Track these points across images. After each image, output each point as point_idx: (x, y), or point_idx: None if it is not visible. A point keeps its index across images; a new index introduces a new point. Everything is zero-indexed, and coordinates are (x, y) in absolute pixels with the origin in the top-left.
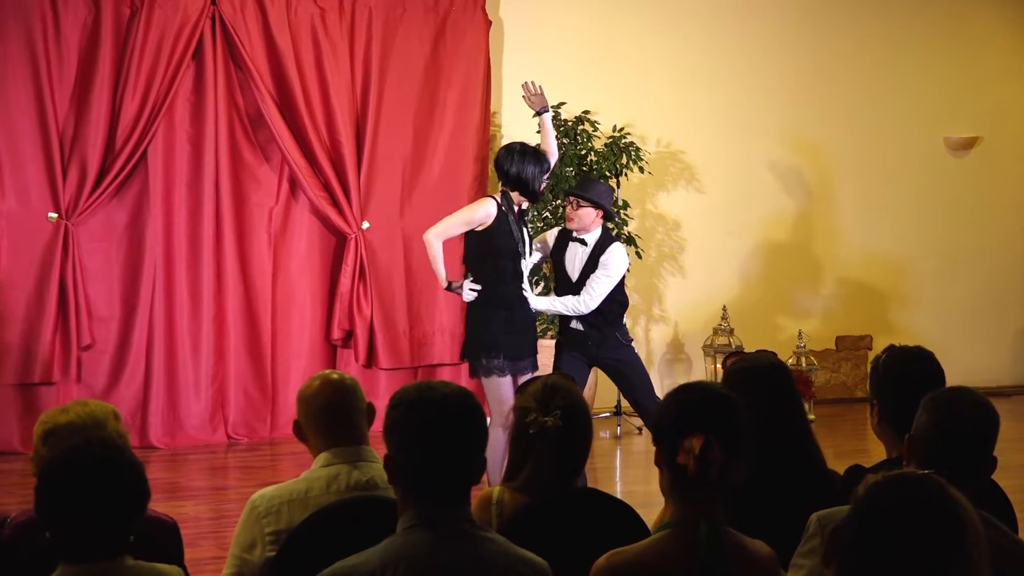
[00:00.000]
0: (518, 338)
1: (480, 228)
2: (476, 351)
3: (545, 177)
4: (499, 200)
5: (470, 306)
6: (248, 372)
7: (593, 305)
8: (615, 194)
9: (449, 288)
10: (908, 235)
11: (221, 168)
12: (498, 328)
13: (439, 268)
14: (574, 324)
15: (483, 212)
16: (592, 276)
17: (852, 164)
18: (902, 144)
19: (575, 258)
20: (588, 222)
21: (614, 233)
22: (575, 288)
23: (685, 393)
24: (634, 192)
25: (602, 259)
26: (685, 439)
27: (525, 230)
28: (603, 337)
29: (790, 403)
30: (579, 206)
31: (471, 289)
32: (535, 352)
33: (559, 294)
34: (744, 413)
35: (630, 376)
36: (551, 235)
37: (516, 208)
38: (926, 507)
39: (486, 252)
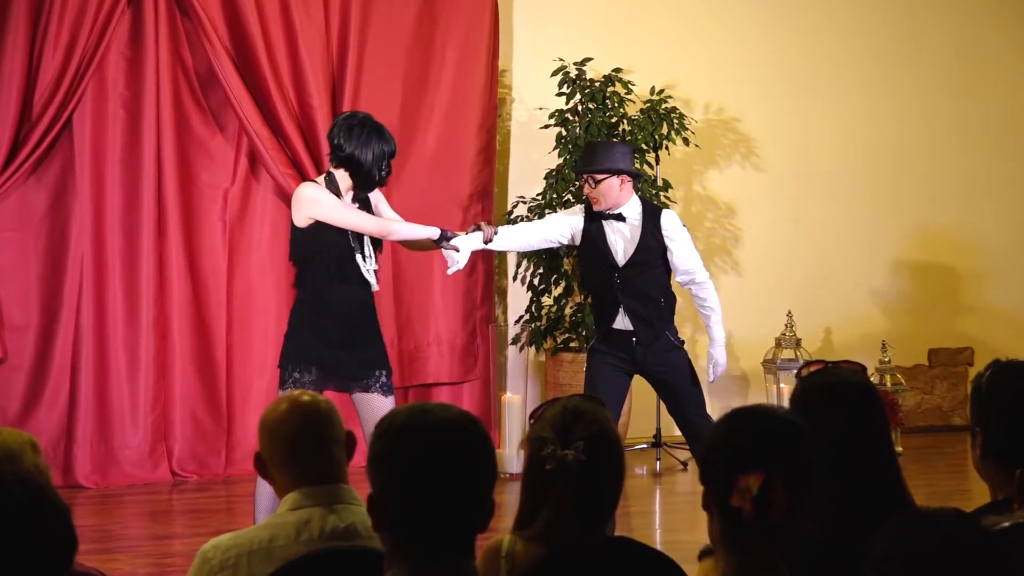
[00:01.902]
0: (333, 353)
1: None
2: (284, 361)
3: (388, 151)
4: (321, 184)
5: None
6: (198, 393)
7: (711, 283)
8: (635, 159)
9: (443, 240)
10: (1019, 221)
11: (164, 140)
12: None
13: (418, 230)
14: (620, 321)
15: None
16: (675, 253)
17: (950, 135)
18: (1011, 112)
19: (620, 238)
20: (616, 194)
21: None
22: (622, 274)
23: (740, 419)
24: (677, 169)
25: (666, 231)
26: (740, 477)
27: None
28: (655, 335)
29: (877, 432)
30: (597, 182)
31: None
32: (360, 376)
33: (592, 285)
34: (815, 444)
35: (681, 387)
36: (573, 220)
37: (350, 193)
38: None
39: (313, 249)
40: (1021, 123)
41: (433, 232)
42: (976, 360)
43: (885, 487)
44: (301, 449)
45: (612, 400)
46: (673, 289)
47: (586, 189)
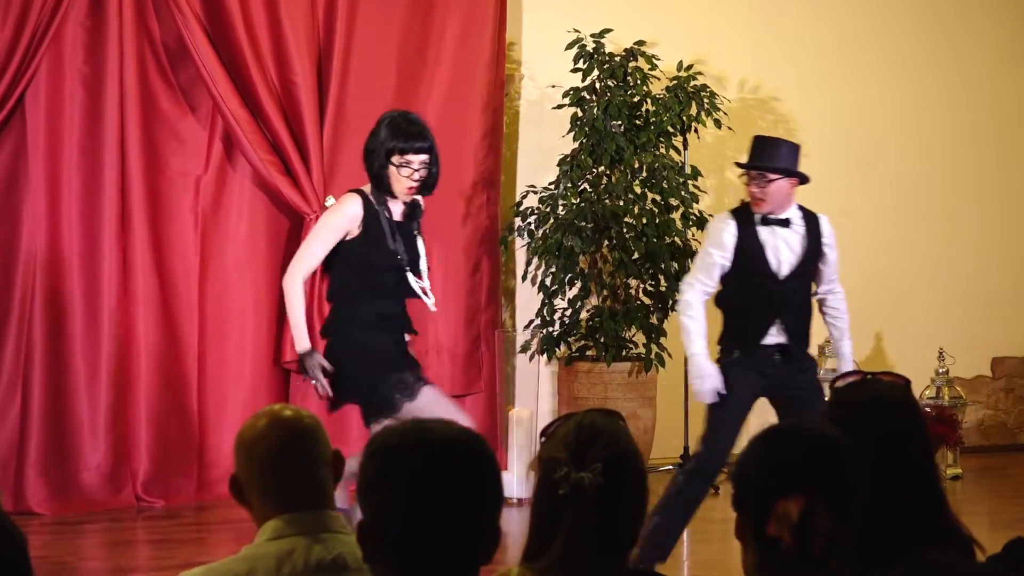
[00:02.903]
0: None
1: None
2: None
3: (388, 150)
4: (358, 195)
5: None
6: (166, 408)
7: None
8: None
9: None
10: None
11: (128, 121)
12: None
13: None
14: (772, 336)
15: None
16: (829, 262)
17: (993, 119)
18: None
19: (784, 246)
20: (783, 197)
21: (680, 213)
22: (783, 286)
23: (778, 437)
24: (708, 155)
25: (826, 239)
26: (779, 502)
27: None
28: (802, 350)
29: (916, 457)
30: (768, 180)
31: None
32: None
33: (741, 298)
34: (860, 465)
35: (817, 408)
36: (727, 238)
37: (402, 206)
38: None
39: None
40: None
41: (298, 345)
42: None
43: (925, 518)
44: (283, 470)
45: (739, 425)
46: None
47: (753, 188)
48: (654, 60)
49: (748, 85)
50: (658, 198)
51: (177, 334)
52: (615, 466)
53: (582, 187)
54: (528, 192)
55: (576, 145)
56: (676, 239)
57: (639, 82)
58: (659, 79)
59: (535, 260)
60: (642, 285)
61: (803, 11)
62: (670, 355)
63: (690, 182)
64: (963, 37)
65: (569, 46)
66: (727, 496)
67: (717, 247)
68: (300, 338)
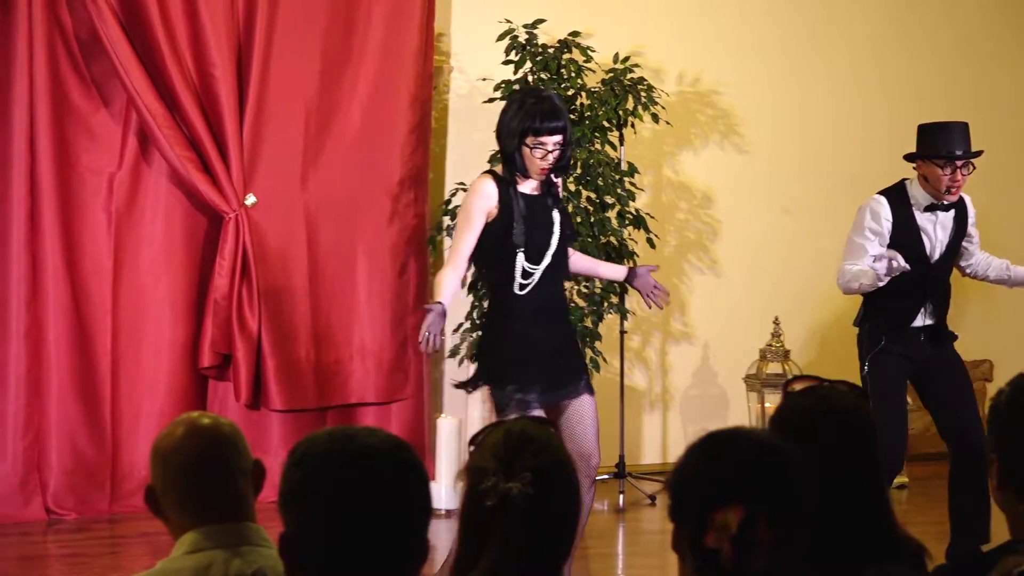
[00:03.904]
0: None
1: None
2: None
3: (522, 131)
4: (490, 176)
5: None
6: (77, 417)
7: None
8: None
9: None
10: None
11: (38, 116)
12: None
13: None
14: (921, 319)
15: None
16: (974, 240)
17: (979, 112)
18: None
19: (939, 229)
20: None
21: (616, 211)
22: (934, 268)
23: (716, 444)
24: (645, 151)
25: (972, 219)
26: (717, 512)
27: (555, 213)
28: (945, 329)
29: (866, 471)
30: (972, 167)
31: None
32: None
33: (891, 284)
34: (804, 474)
35: (965, 381)
36: (884, 224)
37: (537, 181)
38: None
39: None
40: None
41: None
42: (996, 375)
43: (872, 530)
44: (201, 481)
45: (905, 413)
46: None
47: (958, 176)
48: (589, 52)
49: (687, 78)
50: (593, 196)
51: (89, 339)
52: (545, 476)
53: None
54: (457, 190)
55: None
56: (612, 238)
57: (573, 75)
58: (594, 72)
59: None
60: (576, 286)
61: (745, 1)
62: (605, 360)
63: (626, 179)
64: (911, 30)
65: (500, 37)
66: (665, 506)
67: (874, 233)
68: (439, 292)
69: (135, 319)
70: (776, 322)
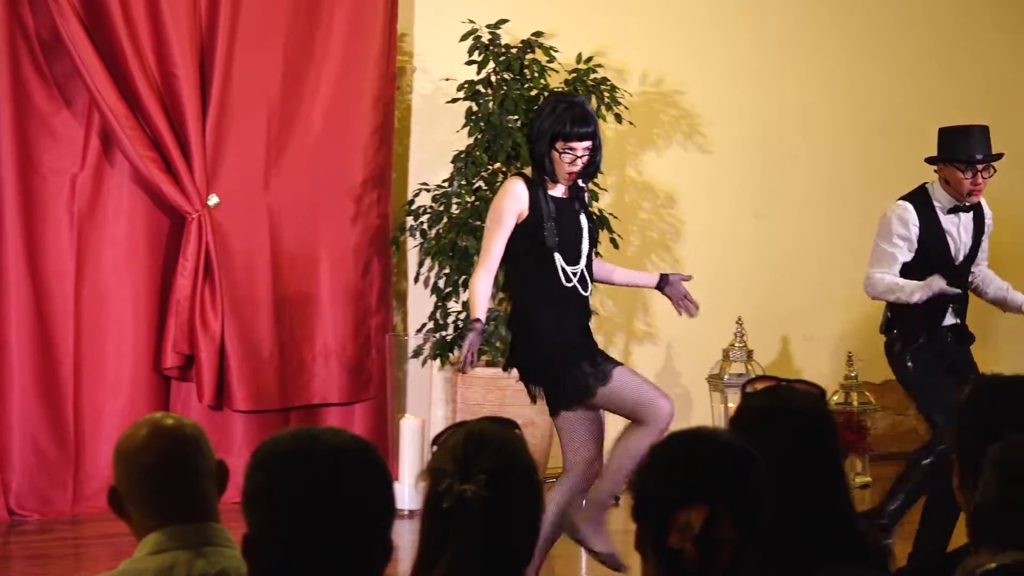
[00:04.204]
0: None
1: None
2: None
3: (552, 136)
4: (520, 179)
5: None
6: (40, 417)
7: None
8: None
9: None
10: (1007, 217)
11: None
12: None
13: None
14: (951, 316)
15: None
16: (984, 242)
17: (952, 112)
18: (999, 87)
19: (962, 231)
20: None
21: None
22: (959, 269)
23: (678, 445)
24: (608, 151)
25: (988, 220)
26: (680, 512)
27: (583, 217)
28: (966, 328)
29: (827, 471)
30: (993, 170)
31: None
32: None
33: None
34: (765, 474)
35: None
36: (912, 229)
37: (564, 183)
38: None
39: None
40: (1014, 105)
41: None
42: None
43: (834, 530)
44: (163, 482)
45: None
46: None
47: (979, 179)
48: (552, 52)
49: (650, 78)
50: None
51: (52, 340)
52: (503, 478)
53: (477, 185)
54: (420, 190)
55: (471, 141)
56: None
57: (537, 75)
58: (557, 72)
59: (428, 261)
60: None
61: (707, 0)
62: None
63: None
64: (880, 29)
65: (463, 37)
66: (628, 507)
67: (903, 239)
68: (475, 308)
69: (98, 320)
70: (739, 322)
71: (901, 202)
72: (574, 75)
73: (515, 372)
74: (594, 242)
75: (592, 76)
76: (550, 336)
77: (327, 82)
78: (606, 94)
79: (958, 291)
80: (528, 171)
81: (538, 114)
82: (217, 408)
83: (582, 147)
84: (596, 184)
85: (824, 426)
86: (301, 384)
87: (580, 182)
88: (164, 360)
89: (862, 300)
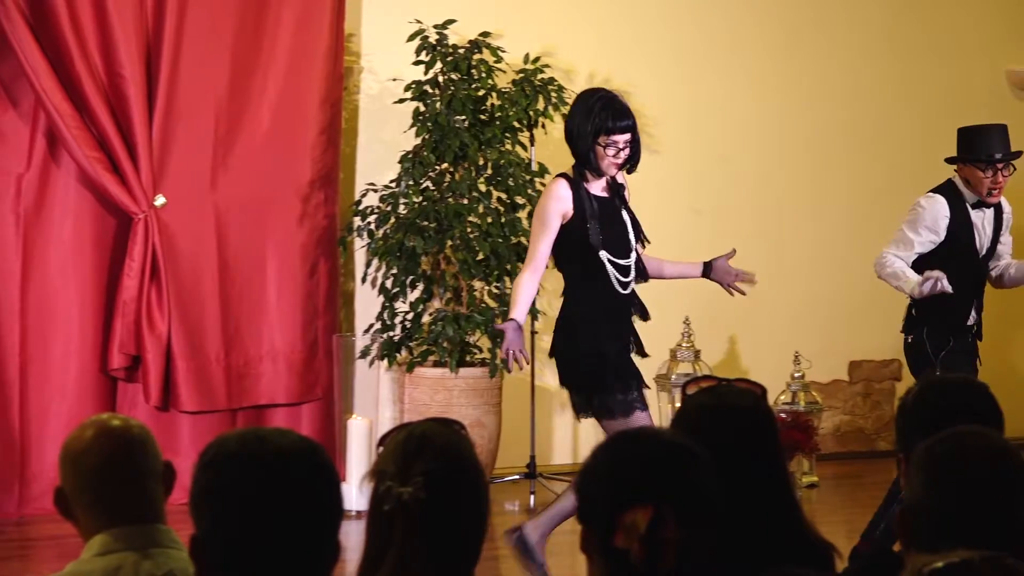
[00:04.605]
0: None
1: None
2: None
3: (595, 130)
4: (563, 179)
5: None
6: None
7: None
8: None
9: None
10: None
11: None
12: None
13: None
14: (973, 315)
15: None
16: (1007, 241)
17: (872, 114)
18: (945, 83)
19: (986, 225)
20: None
21: (527, 212)
22: (981, 265)
23: (623, 445)
24: (555, 151)
25: (1007, 215)
26: (625, 512)
27: (624, 213)
28: (981, 325)
29: (768, 470)
30: (1014, 169)
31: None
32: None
33: (954, 284)
34: (711, 473)
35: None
36: (940, 224)
37: (604, 182)
38: None
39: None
40: (973, 100)
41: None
42: (904, 374)
43: (780, 529)
44: (110, 483)
45: None
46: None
47: (997, 179)
48: (499, 52)
49: (598, 78)
50: (504, 196)
51: None
52: (444, 479)
53: (424, 185)
54: (368, 190)
55: (418, 141)
56: (523, 239)
57: (484, 75)
58: (504, 72)
59: (375, 261)
60: (487, 287)
61: (655, 1)
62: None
63: (537, 180)
64: (828, 28)
65: (411, 38)
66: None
67: (930, 231)
68: (514, 307)
69: (44, 320)
70: (686, 322)
71: (934, 194)
72: (521, 75)
73: (462, 372)
74: (639, 236)
75: (539, 76)
76: (589, 351)
77: (274, 82)
78: (553, 94)
79: (949, 290)
80: (569, 170)
81: (573, 114)
82: (164, 409)
83: (624, 139)
84: (543, 184)
85: (765, 425)
86: (248, 385)
87: (620, 177)
88: (110, 361)
89: (810, 299)
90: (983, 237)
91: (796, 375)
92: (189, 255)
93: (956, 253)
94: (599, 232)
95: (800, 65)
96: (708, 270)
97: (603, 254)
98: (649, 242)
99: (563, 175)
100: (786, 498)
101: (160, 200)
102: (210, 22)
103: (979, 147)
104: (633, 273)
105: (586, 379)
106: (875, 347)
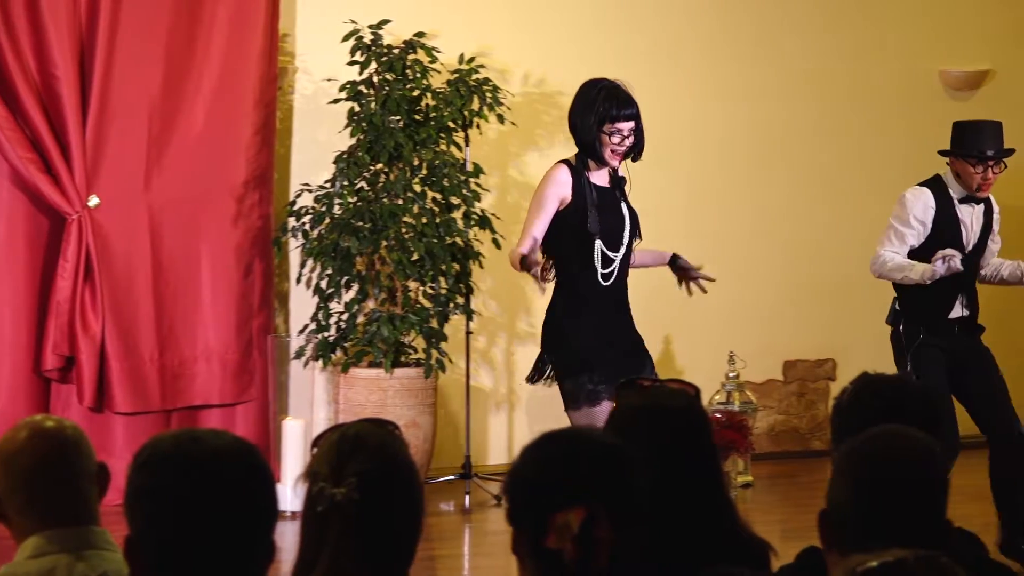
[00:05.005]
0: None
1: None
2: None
3: (599, 118)
4: (563, 166)
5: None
6: None
7: None
8: None
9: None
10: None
11: None
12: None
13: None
14: (956, 311)
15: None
16: (997, 242)
17: (812, 114)
18: (880, 83)
19: (974, 221)
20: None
21: (462, 212)
22: (969, 259)
23: (551, 445)
24: (491, 151)
25: (996, 210)
26: (557, 513)
27: (624, 206)
28: (976, 321)
29: (702, 463)
30: (1004, 165)
31: None
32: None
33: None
34: (641, 471)
35: (994, 374)
36: (928, 214)
37: (606, 173)
38: None
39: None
40: (908, 100)
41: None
42: (839, 374)
43: (715, 529)
44: (43, 485)
45: (949, 396)
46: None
47: (989, 174)
48: (434, 53)
49: (532, 79)
50: (439, 196)
51: None
52: (377, 480)
53: (359, 185)
54: (303, 191)
55: (353, 141)
56: (457, 239)
57: (419, 76)
58: (439, 72)
59: (310, 262)
60: (422, 287)
61: (591, 1)
62: (451, 360)
63: (472, 180)
64: (765, 29)
65: (345, 38)
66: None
67: (919, 223)
68: (517, 250)
69: None
70: None
71: (920, 187)
72: (456, 75)
73: (397, 372)
74: (635, 231)
75: (474, 76)
76: (570, 340)
77: (209, 82)
78: (488, 94)
79: (961, 268)
80: (571, 157)
81: (576, 104)
82: (98, 410)
83: (628, 127)
84: (478, 185)
85: (699, 425)
86: (183, 385)
87: (622, 171)
88: (44, 362)
89: (745, 299)
90: (970, 232)
91: (731, 375)
92: (123, 255)
93: (941, 246)
94: (598, 221)
95: (738, 65)
96: (676, 259)
97: (598, 243)
98: (641, 239)
99: (565, 161)
100: (720, 498)
101: (94, 200)
102: (144, 22)
103: (971, 143)
104: (616, 267)
105: (561, 367)
106: (810, 347)
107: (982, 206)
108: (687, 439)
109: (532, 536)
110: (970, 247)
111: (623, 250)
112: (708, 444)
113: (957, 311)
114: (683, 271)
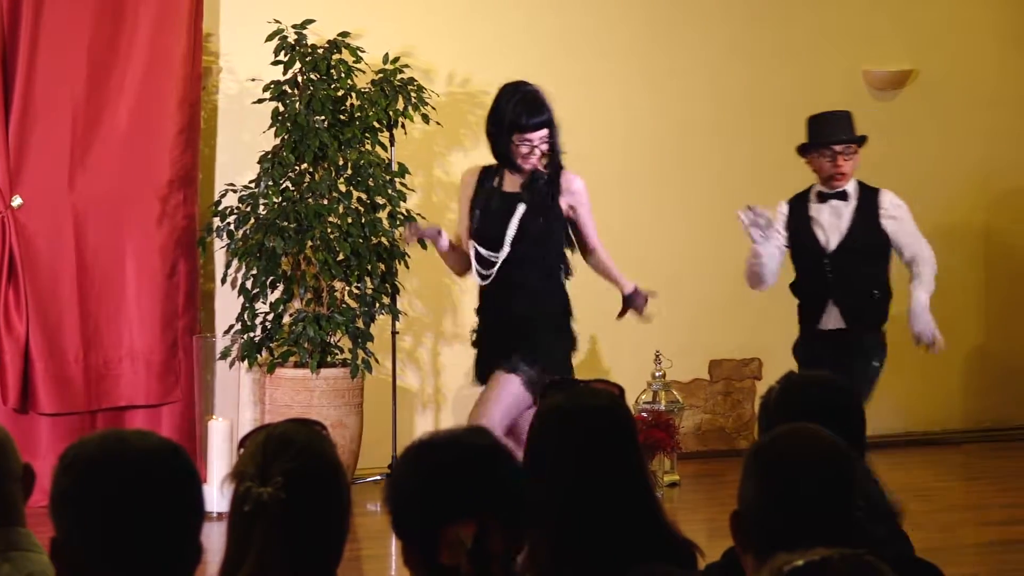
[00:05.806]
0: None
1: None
2: None
3: (508, 128)
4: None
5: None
6: None
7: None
8: None
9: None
10: None
11: None
12: None
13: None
14: (827, 320)
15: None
16: (897, 233)
17: (739, 113)
18: (806, 82)
19: (837, 219)
20: (854, 168)
21: (387, 212)
22: (833, 262)
23: (432, 454)
24: (416, 151)
25: (891, 209)
26: (448, 527)
27: (520, 208)
28: (866, 329)
29: (627, 463)
30: (855, 152)
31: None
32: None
33: (799, 277)
34: (520, 471)
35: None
36: (780, 209)
37: (520, 179)
38: None
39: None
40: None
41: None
42: (765, 373)
43: (641, 529)
44: None
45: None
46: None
47: (840, 161)
48: (359, 52)
49: (457, 78)
50: (364, 197)
51: None
52: (303, 479)
53: (284, 185)
54: (227, 191)
55: (278, 141)
56: (383, 239)
57: (343, 75)
58: (364, 72)
59: (235, 262)
60: (348, 287)
61: (509, 1)
62: (377, 360)
63: (397, 180)
64: (691, 27)
65: (269, 38)
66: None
67: (777, 230)
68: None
69: None
70: None
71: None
72: (381, 75)
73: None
74: (524, 235)
75: (399, 76)
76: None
77: (132, 82)
78: (413, 94)
79: (766, 214)
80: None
81: (491, 112)
82: (22, 411)
83: (538, 136)
84: (403, 185)
85: (623, 424)
86: (107, 386)
87: (576, 184)
88: None
89: (670, 298)
90: (831, 228)
91: (657, 374)
92: (47, 256)
93: (800, 251)
94: (478, 221)
95: (665, 64)
96: (631, 298)
97: (471, 243)
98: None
99: (486, 165)
100: (647, 497)
101: (17, 201)
102: (67, 22)
103: (815, 134)
104: (495, 269)
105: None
106: (736, 346)
107: (854, 202)
108: (611, 439)
109: (422, 551)
110: (832, 246)
111: (505, 252)
112: (633, 443)
113: (831, 322)
114: (630, 308)
